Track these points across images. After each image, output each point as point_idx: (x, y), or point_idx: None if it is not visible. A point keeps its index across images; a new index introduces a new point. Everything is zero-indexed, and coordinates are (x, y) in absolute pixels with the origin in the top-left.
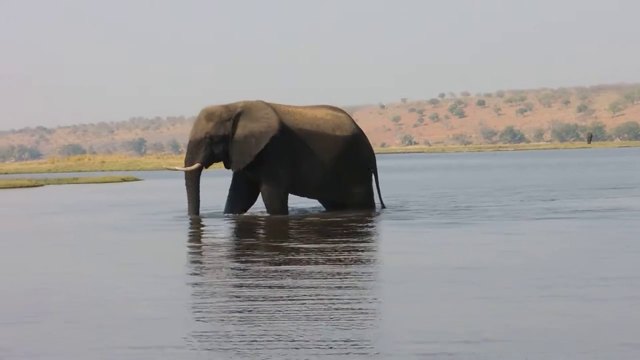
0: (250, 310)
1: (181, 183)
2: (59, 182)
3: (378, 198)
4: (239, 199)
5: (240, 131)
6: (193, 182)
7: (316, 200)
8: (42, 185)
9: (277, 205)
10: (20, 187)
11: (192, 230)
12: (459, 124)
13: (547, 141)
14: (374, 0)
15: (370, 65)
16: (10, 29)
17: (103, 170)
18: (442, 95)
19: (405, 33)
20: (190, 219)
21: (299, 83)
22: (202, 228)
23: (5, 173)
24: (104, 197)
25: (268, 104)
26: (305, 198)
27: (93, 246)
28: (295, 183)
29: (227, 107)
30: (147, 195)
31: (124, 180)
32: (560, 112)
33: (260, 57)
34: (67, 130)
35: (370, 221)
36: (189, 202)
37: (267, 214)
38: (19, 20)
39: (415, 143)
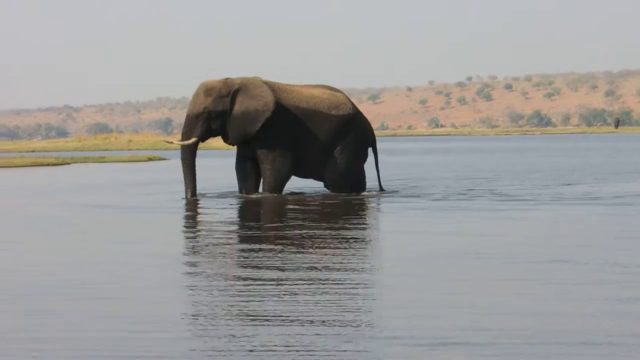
0: (250, 293)
1: (205, 162)
2: (85, 160)
3: (377, 180)
4: (247, 176)
5: (237, 107)
6: (189, 156)
7: (313, 181)
8: (68, 163)
9: (275, 184)
10: (47, 165)
11: (190, 213)
12: (486, 107)
13: (574, 125)
14: None
15: (397, 47)
16: (34, 7)
17: (130, 150)
18: (470, 79)
19: (432, 15)
20: (186, 201)
21: (324, 64)
22: (204, 209)
23: (32, 151)
24: (128, 176)
25: (265, 82)
26: (304, 179)
27: (81, 226)
28: (293, 160)
29: (225, 82)
30: (171, 175)
31: (150, 159)
32: (587, 96)
33: (285, 36)
34: (94, 109)
35: (373, 203)
36: (185, 179)
37: (265, 194)
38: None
39: (442, 126)
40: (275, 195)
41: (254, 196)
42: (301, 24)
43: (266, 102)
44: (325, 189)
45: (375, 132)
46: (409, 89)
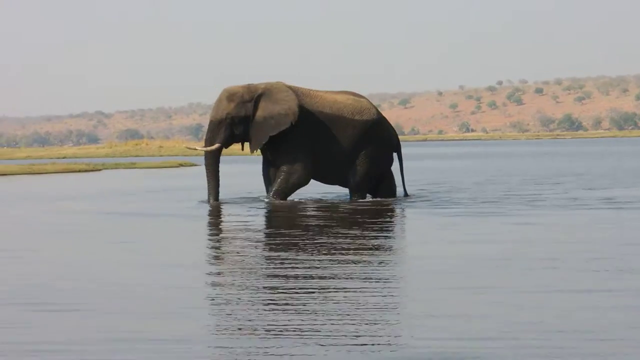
0: (276, 302)
1: (236, 169)
2: (116, 166)
3: (402, 186)
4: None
5: (260, 112)
6: (213, 162)
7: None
8: (99, 170)
9: (289, 187)
10: (78, 171)
11: (212, 219)
12: (517, 111)
13: (605, 129)
14: None
15: (427, 51)
16: (63, 13)
17: (161, 156)
18: (500, 83)
19: (463, 20)
20: (210, 206)
21: (353, 69)
22: (226, 216)
23: (63, 157)
24: (158, 182)
25: (289, 87)
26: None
27: (108, 233)
28: (313, 167)
29: (248, 87)
30: (200, 181)
31: (181, 165)
32: (618, 100)
33: (315, 40)
34: (125, 115)
35: (399, 209)
36: (208, 184)
37: (273, 199)
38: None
39: (473, 130)
40: (296, 201)
41: (265, 201)
42: (331, 28)
43: (290, 106)
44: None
45: (405, 136)
46: (440, 94)
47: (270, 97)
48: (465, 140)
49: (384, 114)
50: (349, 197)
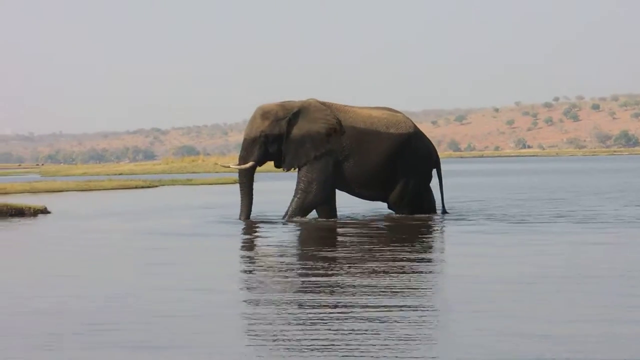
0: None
1: (291, 185)
2: (172, 183)
3: (440, 202)
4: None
5: (296, 131)
6: (247, 180)
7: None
8: (156, 186)
9: (309, 201)
10: (135, 188)
11: (246, 237)
12: (573, 127)
13: None
14: (489, 3)
15: (484, 68)
16: (125, 33)
17: (217, 172)
18: (557, 99)
19: (519, 36)
20: (244, 224)
21: (410, 85)
22: (259, 234)
23: (120, 174)
24: (212, 198)
25: (323, 103)
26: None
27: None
28: (345, 180)
29: (283, 105)
30: (255, 197)
31: (237, 181)
32: None
33: (372, 59)
34: (181, 132)
35: (436, 226)
36: (241, 202)
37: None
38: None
39: (529, 147)
40: (331, 219)
41: (283, 221)
42: (388, 47)
43: (330, 126)
44: (387, 209)
45: (462, 153)
46: (496, 110)
47: (306, 115)
48: (521, 156)
49: (439, 130)
50: (392, 212)
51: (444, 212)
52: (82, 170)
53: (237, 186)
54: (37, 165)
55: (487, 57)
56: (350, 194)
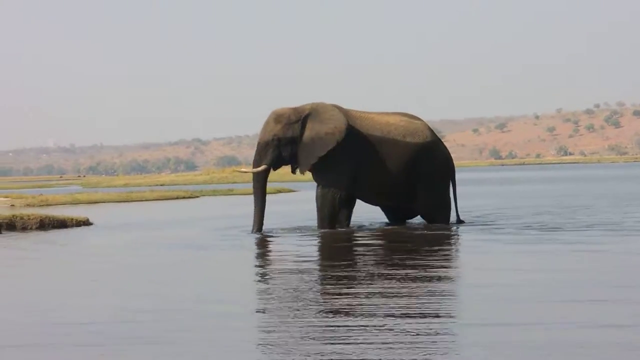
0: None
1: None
2: (214, 193)
3: (455, 211)
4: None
5: (308, 133)
6: (260, 184)
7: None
8: (197, 196)
9: (326, 212)
10: (176, 198)
11: (261, 250)
12: (615, 134)
13: None
14: (526, 10)
15: (524, 75)
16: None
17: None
18: (597, 106)
19: (560, 43)
20: (256, 236)
21: (450, 92)
22: (275, 245)
23: (161, 185)
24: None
25: (340, 109)
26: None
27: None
28: (362, 189)
29: (295, 109)
30: (297, 206)
31: (279, 191)
32: None
33: (416, 68)
34: (222, 142)
35: (452, 236)
36: (254, 208)
37: (315, 229)
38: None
39: (570, 154)
40: (344, 230)
41: (313, 231)
42: (428, 50)
43: (336, 125)
44: (393, 218)
45: (503, 160)
46: (537, 117)
47: (316, 117)
48: (563, 163)
49: (481, 138)
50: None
51: (459, 221)
52: (124, 181)
53: (277, 196)
54: (79, 176)
55: (528, 63)
56: (370, 204)
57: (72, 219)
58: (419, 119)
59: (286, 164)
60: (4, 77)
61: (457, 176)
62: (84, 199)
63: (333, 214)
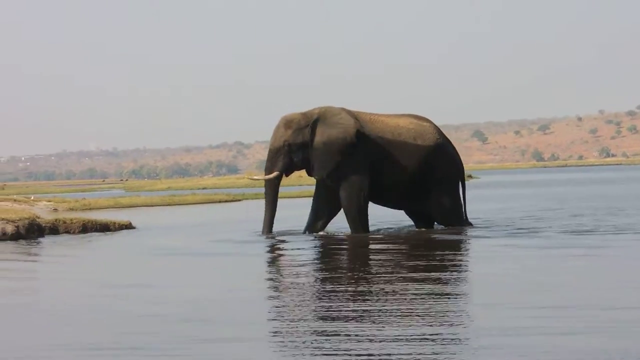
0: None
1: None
2: (256, 197)
3: (464, 213)
4: (320, 211)
5: (319, 138)
6: (271, 190)
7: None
8: (239, 200)
9: (355, 213)
10: (219, 202)
11: (271, 255)
12: None
13: None
14: (570, 11)
15: (566, 77)
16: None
17: (300, 185)
18: None
19: (602, 45)
20: (266, 238)
21: (493, 93)
22: (283, 249)
23: (204, 188)
24: (291, 212)
25: (349, 112)
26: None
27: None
28: (373, 191)
29: (304, 114)
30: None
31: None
32: None
33: (460, 72)
34: (264, 145)
35: (462, 239)
36: (265, 214)
37: (343, 232)
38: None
39: (613, 155)
40: (358, 234)
41: (337, 234)
42: (466, 53)
43: (346, 129)
44: (407, 221)
45: (545, 162)
46: (579, 119)
47: (325, 121)
48: (605, 165)
49: (523, 140)
50: (403, 224)
51: (467, 222)
52: (166, 185)
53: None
54: (121, 180)
55: (570, 66)
56: (381, 205)
57: (114, 222)
58: (427, 120)
59: (298, 169)
60: (46, 79)
61: (500, 178)
62: (126, 202)
63: (363, 215)
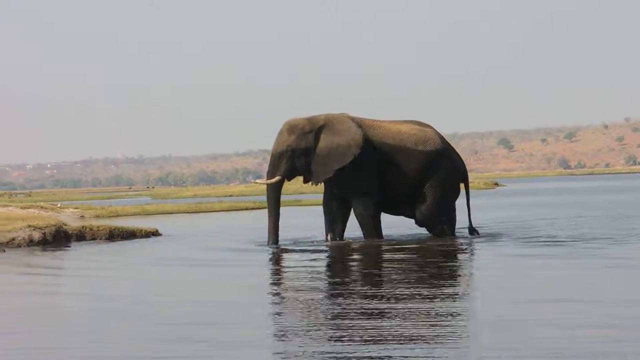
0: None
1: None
2: (282, 204)
3: (468, 220)
4: (334, 219)
5: (322, 144)
6: (273, 195)
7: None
8: (265, 207)
9: (369, 221)
10: (245, 209)
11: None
12: None
13: None
14: (596, 21)
15: (592, 85)
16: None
17: None
18: None
19: (627, 51)
20: (271, 247)
21: (519, 101)
22: (289, 259)
23: (230, 196)
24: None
25: (352, 118)
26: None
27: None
28: (382, 199)
29: (309, 119)
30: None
31: None
32: None
33: (484, 80)
34: None
35: (470, 248)
36: (268, 221)
37: (359, 241)
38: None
39: (639, 163)
40: (372, 241)
41: (341, 242)
42: (498, 69)
43: (353, 138)
44: (416, 228)
45: (572, 170)
46: (605, 127)
47: (331, 128)
48: (632, 173)
49: (549, 148)
50: (427, 231)
51: (472, 230)
52: (193, 192)
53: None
54: (147, 187)
55: (596, 73)
56: (382, 211)
57: (141, 229)
58: (429, 126)
59: (300, 175)
60: (72, 85)
61: (527, 186)
62: (153, 210)
63: (377, 221)
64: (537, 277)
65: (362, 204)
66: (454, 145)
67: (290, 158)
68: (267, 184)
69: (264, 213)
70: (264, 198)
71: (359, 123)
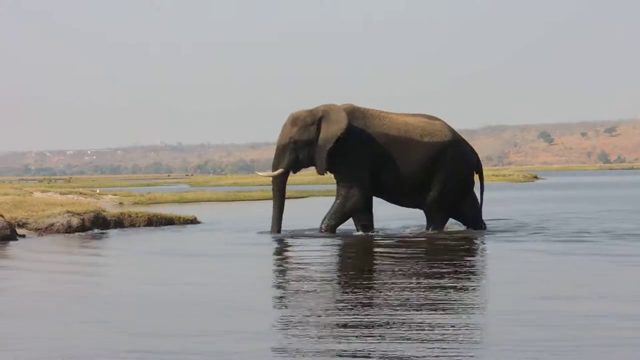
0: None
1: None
2: (324, 193)
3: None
4: (360, 212)
5: (322, 135)
6: (277, 188)
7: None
8: (305, 197)
9: (342, 209)
10: (286, 198)
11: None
12: None
13: None
14: (635, 12)
15: (633, 78)
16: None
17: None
18: None
19: None
20: (273, 237)
21: (559, 96)
22: (293, 250)
23: (270, 184)
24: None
25: (356, 108)
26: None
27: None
28: (378, 187)
29: (311, 111)
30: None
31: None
32: None
33: (524, 76)
34: None
35: (478, 241)
36: (273, 212)
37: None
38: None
39: None
40: (366, 234)
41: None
42: (540, 64)
43: (340, 126)
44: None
45: (611, 165)
46: None
47: (327, 118)
48: None
49: (589, 142)
50: (426, 223)
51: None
52: (232, 180)
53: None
54: (186, 175)
55: (637, 68)
56: (388, 202)
57: (179, 217)
58: (438, 119)
59: (305, 167)
60: (111, 76)
61: (567, 179)
62: (191, 197)
63: (354, 210)
64: (558, 272)
65: (346, 193)
66: (495, 138)
67: (293, 150)
68: (272, 177)
69: (299, 202)
70: (304, 187)
71: (363, 113)
